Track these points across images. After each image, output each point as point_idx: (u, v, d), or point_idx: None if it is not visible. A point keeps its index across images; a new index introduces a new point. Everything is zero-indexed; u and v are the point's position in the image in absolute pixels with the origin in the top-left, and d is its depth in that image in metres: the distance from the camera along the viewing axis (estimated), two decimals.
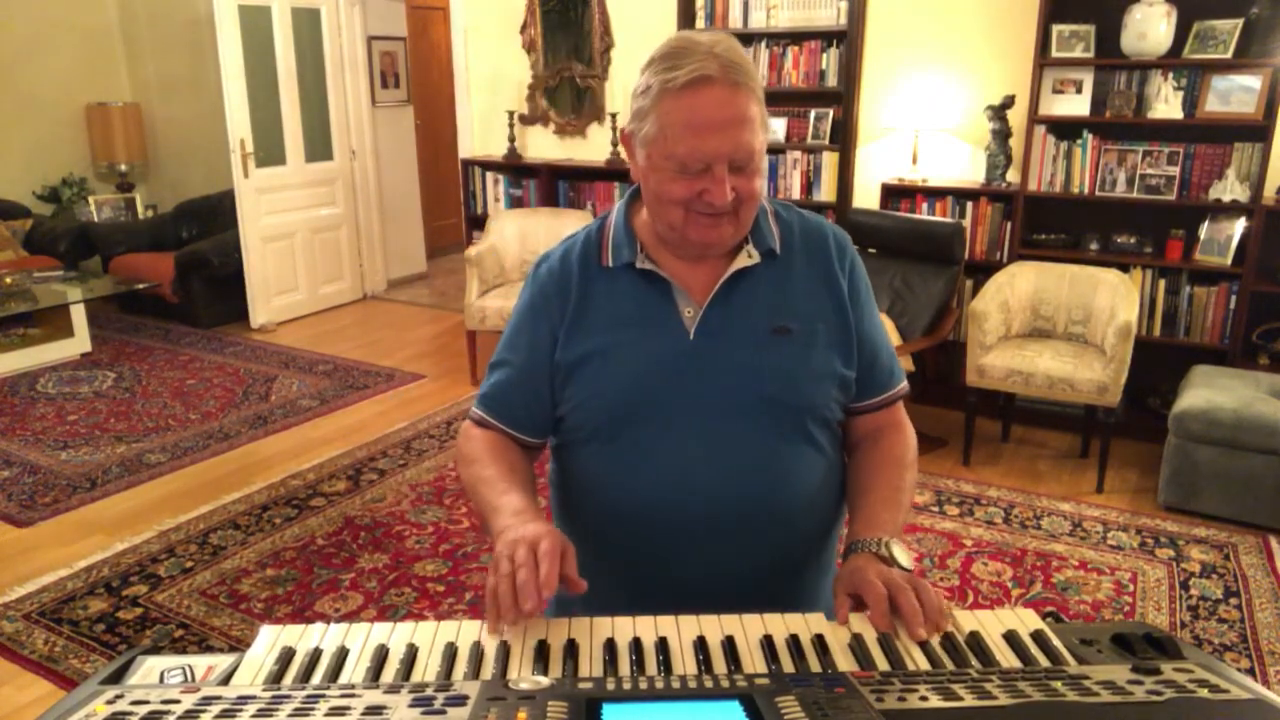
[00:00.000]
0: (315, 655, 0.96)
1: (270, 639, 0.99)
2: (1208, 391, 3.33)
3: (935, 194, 4.22)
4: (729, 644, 0.98)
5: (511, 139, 5.35)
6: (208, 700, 0.82)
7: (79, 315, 5.13)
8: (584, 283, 1.30)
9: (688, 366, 1.25)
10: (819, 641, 0.99)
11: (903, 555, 1.16)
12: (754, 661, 0.96)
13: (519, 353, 1.33)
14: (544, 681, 0.85)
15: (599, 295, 1.29)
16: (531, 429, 1.35)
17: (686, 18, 4.67)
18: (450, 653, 0.96)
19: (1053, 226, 4.09)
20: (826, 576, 1.35)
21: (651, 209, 1.25)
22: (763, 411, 1.24)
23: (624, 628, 1.01)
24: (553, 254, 1.36)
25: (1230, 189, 3.67)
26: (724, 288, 1.27)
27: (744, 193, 1.18)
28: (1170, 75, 3.72)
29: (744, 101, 1.15)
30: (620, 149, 4.38)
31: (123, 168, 6.51)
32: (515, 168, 5.38)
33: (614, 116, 5.09)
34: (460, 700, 0.80)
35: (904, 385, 1.39)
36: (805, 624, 1.03)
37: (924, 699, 0.81)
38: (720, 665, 0.95)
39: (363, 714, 0.78)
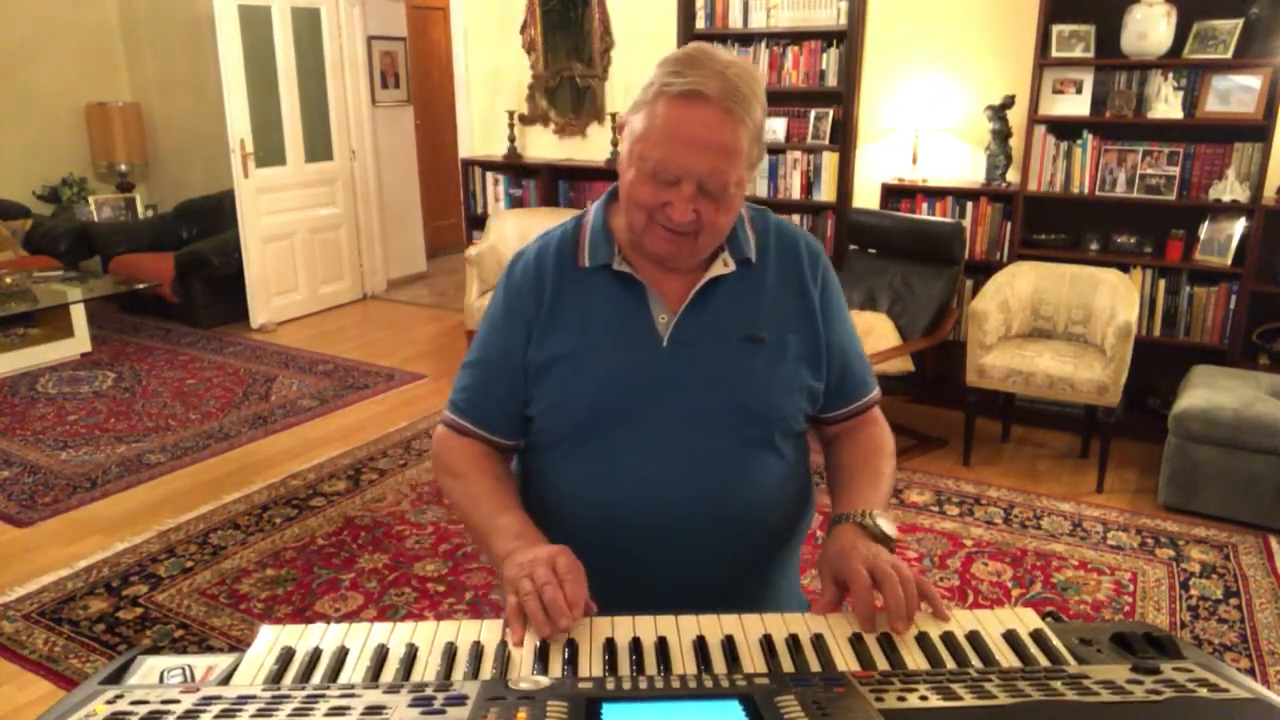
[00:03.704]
0: (315, 655, 0.96)
1: (270, 639, 0.99)
2: (1208, 391, 3.33)
3: (935, 194, 4.21)
4: (728, 644, 0.98)
5: (511, 139, 5.35)
6: (208, 700, 0.82)
7: (79, 315, 5.13)
8: (558, 283, 1.28)
9: (659, 374, 1.23)
10: (819, 641, 0.99)
11: (887, 525, 1.17)
12: (754, 661, 0.96)
13: (492, 352, 1.32)
14: (544, 681, 0.85)
15: (573, 296, 1.27)
16: (505, 430, 1.33)
17: (687, 17, 4.66)
18: (450, 653, 0.96)
19: (1053, 226, 4.09)
20: (789, 578, 1.36)
21: (623, 203, 1.24)
22: (731, 421, 1.24)
23: (624, 627, 1.01)
24: (528, 252, 1.34)
25: (1230, 189, 3.67)
26: (699, 295, 1.26)
27: (707, 220, 1.17)
28: (1170, 75, 3.72)
29: (733, 130, 1.12)
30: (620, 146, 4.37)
31: (123, 168, 6.51)
32: (515, 168, 5.38)
33: (614, 116, 5.09)
34: (460, 700, 0.80)
35: (876, 392, 1.39)
36: (805, 624, 1.03)
37: (924, 698, 0.81)
38: (720, 665, 0.95)
39: (362, 714, 0.78)
